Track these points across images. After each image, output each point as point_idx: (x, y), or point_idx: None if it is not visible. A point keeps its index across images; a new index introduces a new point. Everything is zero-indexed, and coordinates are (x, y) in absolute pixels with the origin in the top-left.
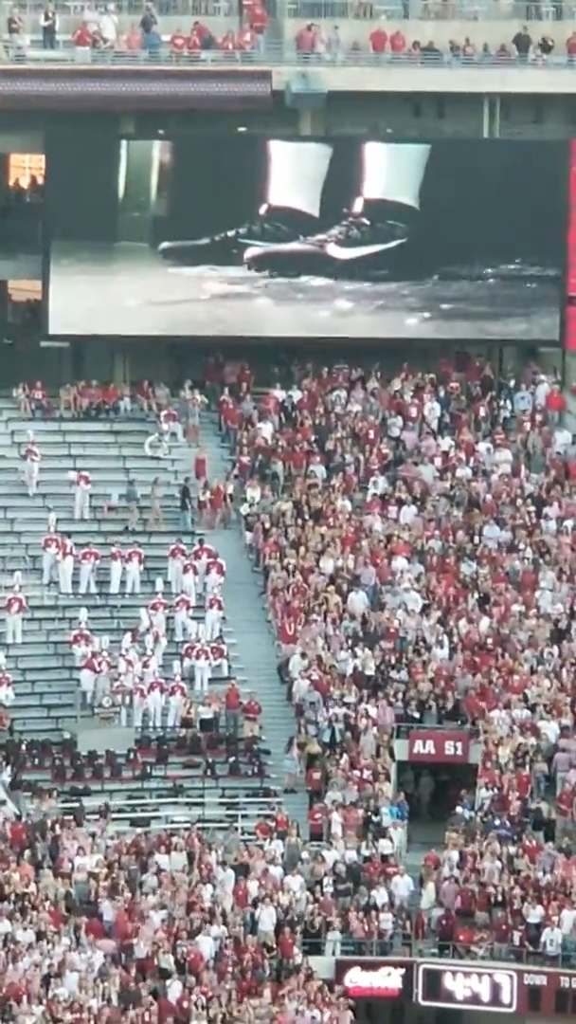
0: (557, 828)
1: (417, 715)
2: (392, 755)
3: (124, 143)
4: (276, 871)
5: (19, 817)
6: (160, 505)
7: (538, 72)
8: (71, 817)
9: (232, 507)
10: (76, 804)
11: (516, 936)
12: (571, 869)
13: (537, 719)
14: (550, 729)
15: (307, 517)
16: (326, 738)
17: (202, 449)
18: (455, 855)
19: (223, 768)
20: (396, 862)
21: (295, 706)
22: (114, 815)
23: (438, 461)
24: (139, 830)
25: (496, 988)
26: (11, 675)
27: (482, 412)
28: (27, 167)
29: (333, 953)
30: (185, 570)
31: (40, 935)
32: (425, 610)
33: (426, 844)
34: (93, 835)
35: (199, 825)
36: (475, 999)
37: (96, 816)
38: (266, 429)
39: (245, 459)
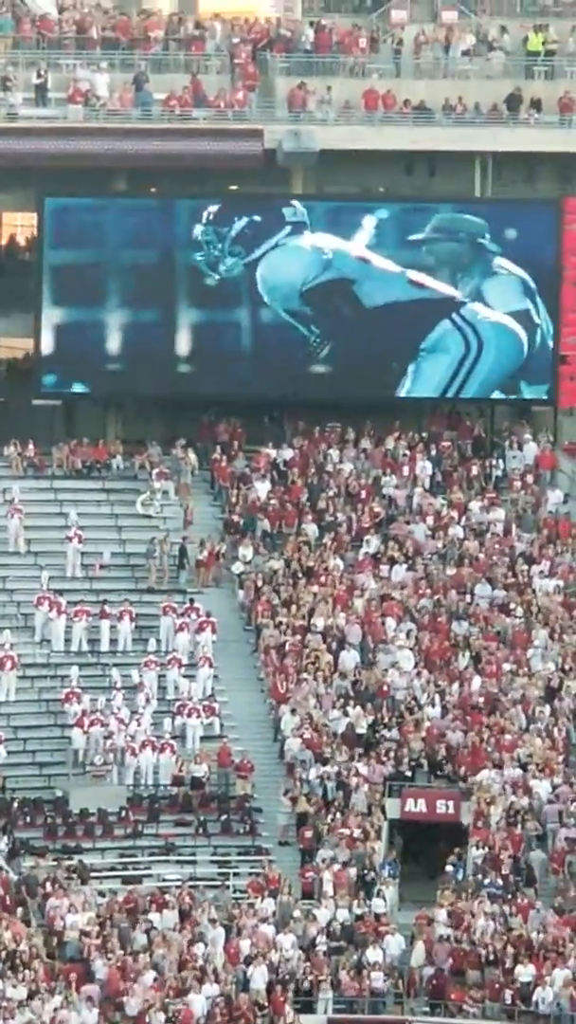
0: (549, 887)
1: (409, 774)
2: (384, 814)
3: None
4: (268, 929)
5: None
6: (158, 565)
7: (530, 131)
8: (73, 875)
9: (224, 565)
10: (71, 861)
11: (508, 995)
12: (563, 927)
13: (529, 778)
14: (542, 788)
15: (299, 576)
16: (318, 796)
17: (194, 507)
18: (446, 914)
19: (215, 826)
20: (388, 920)
21: (287, 764)
22: (106, 873)
23: (430, 520)
24: (131, 888)
25: None
26: (3, 733)
27: (474, 471)
28: (19, 225)
29: (325, 1012)
30: (178, 628)
31: (32, 993)
32: (417, 669)
33: (417, 903)
34: (83, 891)
35: (191, 883)
36: None
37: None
38: (261, 488)
39: (237, 517)
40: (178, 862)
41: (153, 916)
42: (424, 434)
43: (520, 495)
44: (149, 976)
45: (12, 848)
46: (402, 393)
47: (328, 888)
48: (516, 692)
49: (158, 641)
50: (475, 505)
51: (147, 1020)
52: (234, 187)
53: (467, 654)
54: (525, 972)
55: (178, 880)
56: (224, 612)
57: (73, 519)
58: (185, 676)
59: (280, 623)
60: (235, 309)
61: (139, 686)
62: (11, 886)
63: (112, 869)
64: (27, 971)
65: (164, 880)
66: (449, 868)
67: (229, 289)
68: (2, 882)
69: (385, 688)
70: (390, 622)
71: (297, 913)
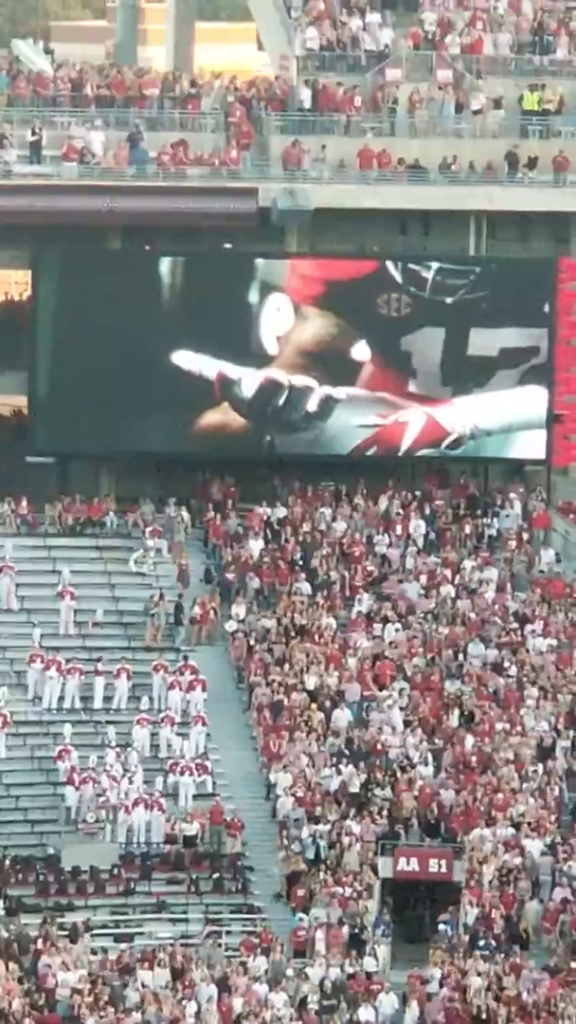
0: (541, 946)
1: (401, 832)
2: (376, 872)
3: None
4: (260, 988)
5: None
6: (155, 623)
7: (524, 190)
8: (65, 932)
9: (218, 623)
10: (63, 919)
11: None
12: (555, 987)
13: (522, 837)
14: (534, 847)
15: (292, 634)
16: (310, 855)
17: (186, 564)
18: (439, 973)
19: (207, 884)
20: (380, 979)
21: (279, 823)
22: (97, 931)
23: (423, 579)
24: (123, 946)
25: None
26: None
27: (467, 530)
28: (13, 282)
29: None
30: (170, 686)
31: None
32: (410, 728)
33: (410, 962)
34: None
35: (182, 941)
36: None
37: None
38: (254, 546)
39: (230, 576)
40: (170, 920)
41: (144, 974)
42: (417, 493)
43: (514, 554)
44: None
45: (9, 907)
46: None
47: (320, 946)
48: (509, 751)
49: (151, 699)
50: (468, 564)
51: None
52: (228, 245)
53: (460, 713)
54: None
55: (170, 938)
56: (217, 670)
57: (66, 576)
58: (178, 734)
59: (272, 681)
60: None
61: (131, 744)
62: (2, 943)
63: (104, 927)
64: None
65: (156, 938)
66: (441, 927)
67: None
68: None
69: (378, 747)
70: (383, 681)
71: (290, 972)
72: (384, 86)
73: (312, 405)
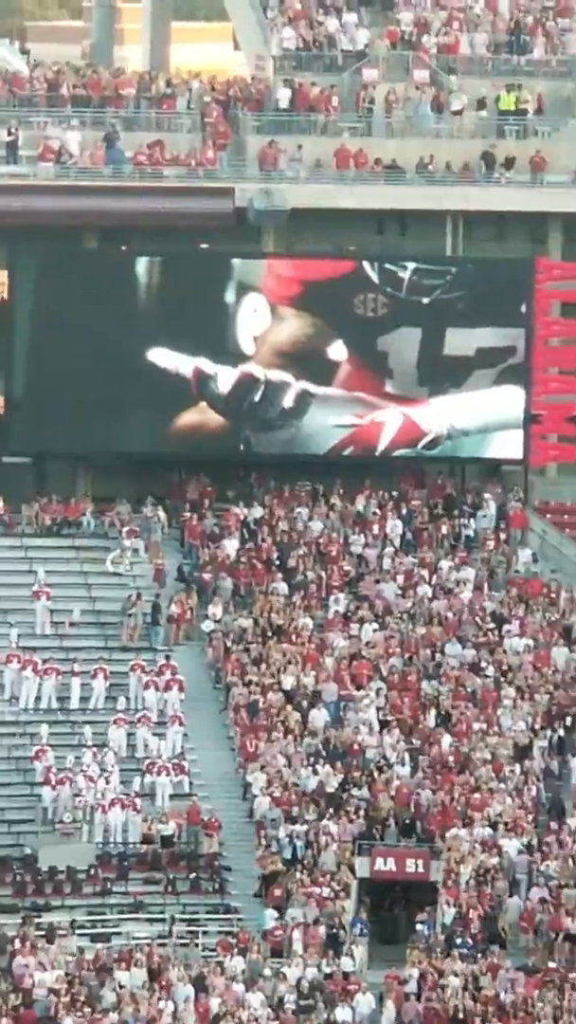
0: (519, 946)
1: (378, 832)
2: (353, 872)
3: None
4: (237, 988)
5: None
6: (132, 624)
7: (501, 190)
8: (42, 932)
9: (195, 623)
10: (40, 919)
11: None
12: (532, 987)
13: (499, 837)
14: (511, 847)
15: (269, 634)
16: (287, 855)
17: (163, 563)
18: (416, 973)
19: (184, 884)
20: (358, 979)
21: (256, 823)
22: (74, 931)
23: (400, 579)
24: (99, 946)
25: None
26: None
27: (444, 530)
28: None
29: None
30: (146, 686)
31: None
32: (387, 727)
33: (387, 962)
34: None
35: (159, 941)
36: None
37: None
38: (230, 546)
39: (207, 576)
40: (147, 920)
41: (121, 974)
42: (394, 493)
43: (491, 554)
44: None
45: None
46: None
47: (297, 946)
48: (486, 751)
49: (127, 699)
50: (445, 564)
51: None
52: (205, 245)
53: (437, 713)
54: None
55: (147, 938)
56: (193, 670)
57: (42, 576)
58: (155, 734)
59: (249, 681)
60: None
61: (108, 744)
62: None
63: (81, 927)
64: None
65: (133, 938)
66: (419, 927)
67: None
68: None
69: (355, 747)
70: (360, 681)
71: (267, 971)
72: (361, 86)
73: (288, 401)
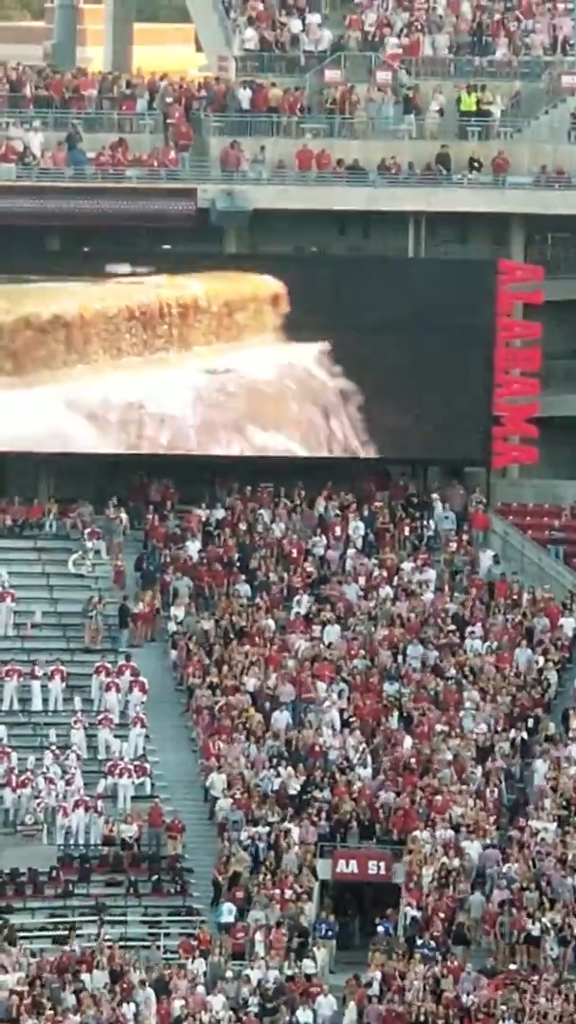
0: (481, 948)
1: (340, 834)
2: (315, 874)
3: None
4: (199, 990)
5: None
6: (93, 625)
7: (463, 191)
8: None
9: (158, 623)
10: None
11: None
12: (494, 990)
13: (461, 839)
14: (473, 849)
15: (231, 636)
16: (249, 857)
17: (123, 565)
18: (378, 975)
19: (146, 886)
20: (320, 981)
21: (218, 825)
22: (36, 933)
23: (362, 580)
24: (62, 948)
25: None
26: None
27: (406, 531)
28: None
29: None
30: (108, 688)
31: None
32: (348, 729)
33: (349, 964)
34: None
35: (121, 944)
36: None
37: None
38: (192, 547)
39: (168, 577)
40: (109, 922)
41: (83, 976)
42: (356, 494)
43: (453, 555)
44: None
45: None
46: None
47: (260, 948)
48: (448, 753)
49: (88, 701)
50: (407, 566)
51: None
52: (167, 246)
53: (399, 714)
54: None
55: (109, 940)
56: (156, 672)
57: (4, 578)
58: (116, 736)
59: (211, 683)
60: None
61: (70, 746)
62: None
63: (43, 929)
64: None
65: (94, 940)
66: (380, 929)
67: None
68: None
69: (317, 748)
70: (322, 683)
71: (228, 974)
72: (324, 87)
73: None
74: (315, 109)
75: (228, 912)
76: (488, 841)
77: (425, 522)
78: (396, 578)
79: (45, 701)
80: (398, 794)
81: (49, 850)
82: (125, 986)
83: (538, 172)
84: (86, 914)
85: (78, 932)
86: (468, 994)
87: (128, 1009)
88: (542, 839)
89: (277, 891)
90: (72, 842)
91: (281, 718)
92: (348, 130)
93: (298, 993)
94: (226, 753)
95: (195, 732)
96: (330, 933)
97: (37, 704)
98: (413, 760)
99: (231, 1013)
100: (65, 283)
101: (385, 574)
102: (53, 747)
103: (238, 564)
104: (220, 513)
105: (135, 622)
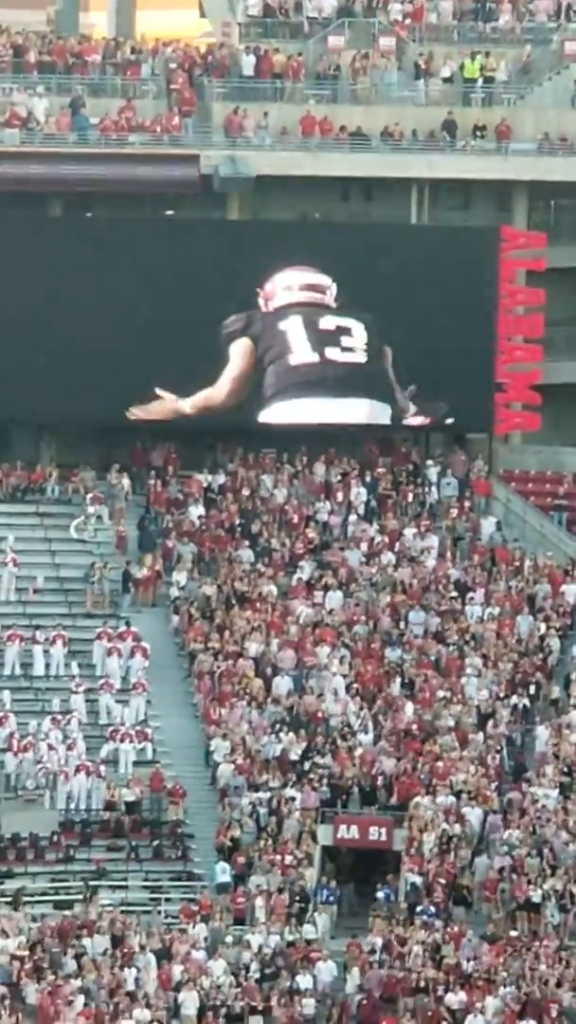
0: (480, 915)
1: (341, 800)
2: (315, 840)
3: None
4: (199, 955)
5: None
6: (98, 589)
7: (466, 158)
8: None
9: (160, 588)
10: (3, 885)
11: None
12: (494, 956)
13: (462, 805)
14: (474, 815)
15: (232, 601)
16: (250, 823)
17: (125, 530)
18: (379, 941)
19: (147, 851)
20: (320, 947)
21: (219, 790)
22: (37, 898)
23: (364, 546)
24: (63, 913)
25: None
26: None
27: (409, 497)
28: None
29: None
30: (110, 653)
31: None
32: (350, 695)
33: (350, 929)
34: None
35: (122, 908)
36: None
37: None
38: (194, 513)
39: (170, 543)
40: (110, 887)
41: (84, 941)
42: (358, 461)
43: (455, 522)
44: (79, 1001)
45: None
46: None
47: (260, 914)
48: (450, 719)
49: (90, 666)
50: (409, 532)
51: None
52: (170, 212)
53: (401, 681)
54: (456, 1000)
55: (110, 905)
56: (158, 637)
57: (7, 543)
58: (118, 701)
59: (213, 649)
60: None
61: (71, 711)
62: None
63: (44, 894)
64: None
65: (95, 905)
66: (380, 895)
67: None
68: None
69: (319, 714)
70: (324, 648)
71: (229, 939)
72: (327, 53)
73: None
74: (318, 75)
75: (222, 872)
76: (489, 807)
77: (427, 489)
78: (398, 544)
79: (47, 666)
80: (399, 760)
81: (50, 815)
82: (126, 951)
83: (541, 139)
84: (88, 879)
85: (78, 897)
86: (469, 960)
87: (129, 974)
88: (543, 806)
89: (278, 856)
90: (73, 807)
91: (283, 684)
92: (351, 96)
93: (298, 958)
94: (227, 719)
95: (196, 697)
96: (331, 899)
97: (39, 669)
98: (414, 726)
99: (231, 978)
100: None
101: (387, 540)
102: (55, 712)
103: (240, 529)
104: (222, 478)
105: (136, 587)
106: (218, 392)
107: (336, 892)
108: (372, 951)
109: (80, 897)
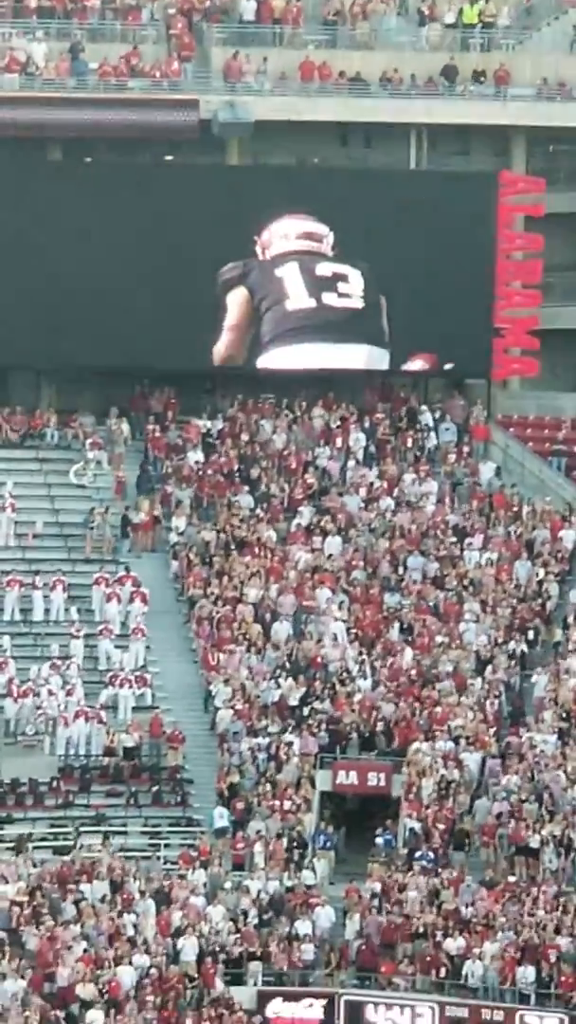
0: (479, 860)
1: (340, 746)
2: (314, 785)
3: None
4: (198, 901)
5: None
6: (98, 534)
7: (465, 103)
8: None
9: (160, 533)
10: (3, 831)
11: (443, 969)
12: (492, 902)
13: (460, 751)
14: (473, 761)
15: (231, 547)
16: (249, 768)
17: (124, 476)
18: (378, 886)
19: (146, 797)
20: (319, 892)
21: (218, 736)
22: (36, 843)
23: (363, 492)
24: (62, 858)
25: (418, 1020)
26: None
27: (408, 443)
28: None
29: (255, 984)
30: (109, 598)
31: None
32: (349, 641)
33: (349, 875)
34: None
35: (121, 854)
36: None
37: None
38: (193, 458)
39: (169, 488)
40: (109, 833)
41: (83, 887)
42: (357, 406)
43: (454, 467)
44: (79, 947)
45: None
46: None
47: (259, 860)
48: (448, 664)
49: (90, 611)
50: (408, 477)
51: (76, 992)
52: (169, 157)
53: (399, 626)
54: (455, 945)
55: (99, 851)
56: (157, 583)
57: (6, 488)
58: (117, 647)
59: (212, 594)
60: None
61: (71, 656)
62: None
63: (43, 839)
64: None
65: (94, 851)
66: (378, 840)
67: None
68: None
69: (318, 660)
70: (323, 594)
71: (228, 885)
72: None
73: None
74: (317, 20)
75: (220, 816)
76: (488, 753)
77: (426, 434)
78: (397, 490)
79: (46, 612)
80: (398, 705)
81: (50, 760)
82: (125, 897)
83: (540, 84)
84: (87, 824)
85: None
86: (467, 906)
87: (128, 920)
88: (541, 751)
89: (277, 802)
90: (73, 752)
91: (282, 629)
92: (350, 42)
93: (297, 904)
94: (227, 664)
95: (196, 643)
96: (329, 844)
97: (38, 615)
98: (413, 671)
99: (230, 924)
100: None
101: (386, 486)
102: (54, 658)
103: (239, 475)
104: (221, 424)
105: (135, 531)
106: (220, 344)
107: (333, 838)
108: (372, 896)
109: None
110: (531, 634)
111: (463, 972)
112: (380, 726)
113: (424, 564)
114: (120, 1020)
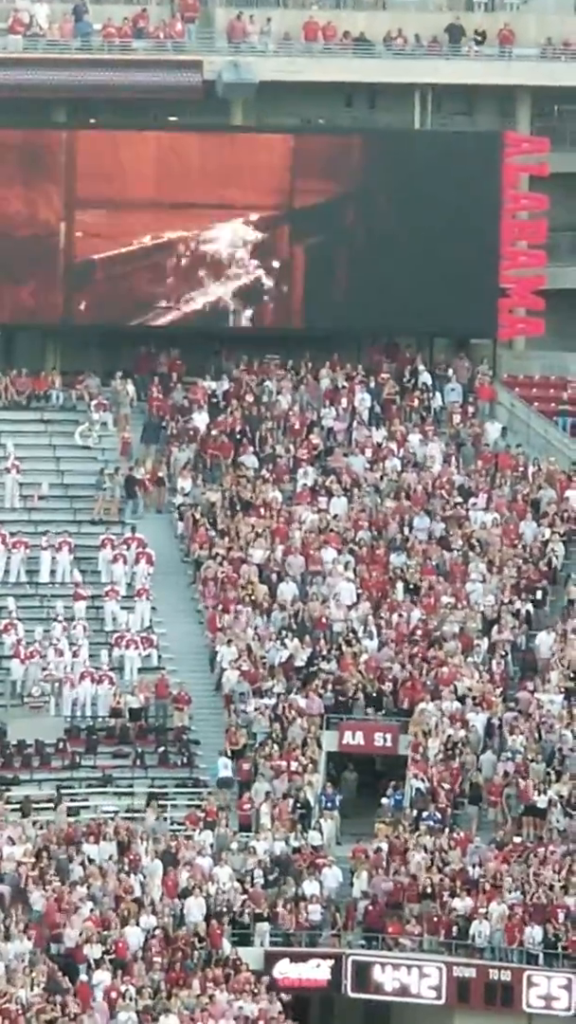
0: (486, 820)
1: (346, 706)
2: (320, 746)
3: None
4: (205, 862)
5: None
6: (109, 496)
7: (470, 63)
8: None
9: (165, 495)
10: (9, 792)
11: (452, 929)
12: (500, 862)
13: (466, 711)
14: (479, 721)
15: (237, 507)
16: (255, 729)
17: (130, 437)
18: (385, 846)
19: (152, 758)
20: (326, 853)
21: (224, 696)
22: (43, 804)
23: (368, 452)
24: (69, 819)
25: (425, 980)
26: None
27: (414, 403)
28: None
29: (262, 944)
30: (115, 559)
31: None
32: (355, 601)
33: (356, 835)
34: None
35: (127, 815)
36: (404, 991)
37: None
38: (199, 419)
39: (175, 449)
40: (115, 794)
41: (90, 848)
42: (363, 366)
43: (459, 428)
44: (86, 908)
45: None
46: None
47: (266, 820)
48: (454, 625)
49: (96, 572)
50: (413, 437)
51: (84, 952)
52: (173, 118)
53: (405, 586)
54: (462, 905)
55: (115, 812)
56: (163, 543)
57: (11, 450)
58: (123, 608)
59: (218, 555)
60: None
61: (77, 617)
62: None
63: (49, 800)
64: None
65: (101, 812)
66: (385, 800)
67: None
68: None
69: (324, 620)
70: (328, 554)
71: (234, 845)
72: None
73: None
74: None
75: (224, 767)
76: (494, 713)
77: (431, 394)
78: (402, 450)
79: (52, 573)
80: (404, 666)
81: (56, 722)
82: (132, 858)
83: (544, 44)
84: (93, 785)
85: (84, 804)
86: (475, 866)
87: (134, 880)
88: (548, 711)
89: (283, 763)
90: (79, 714)
91: (287, 590)
92: (354, 2)
93: (304, 864)
94: (232, 625)
95: (201, 604)
96: (331, 805)
97: (44, 576)
98: (419, 632)
99: (237, 884)
100: None
101: (391, 446)
102: (60, 619)
103: (244, 436)
104: (226, 385)
105: (141, 489)
106: None
107: (334, 797)
108: (376, 851)
109: (86, 804)
110: (538, 594)
111: (470, 932)
112: (387, 686)
113: (430, 524)
114: (127, 981)
